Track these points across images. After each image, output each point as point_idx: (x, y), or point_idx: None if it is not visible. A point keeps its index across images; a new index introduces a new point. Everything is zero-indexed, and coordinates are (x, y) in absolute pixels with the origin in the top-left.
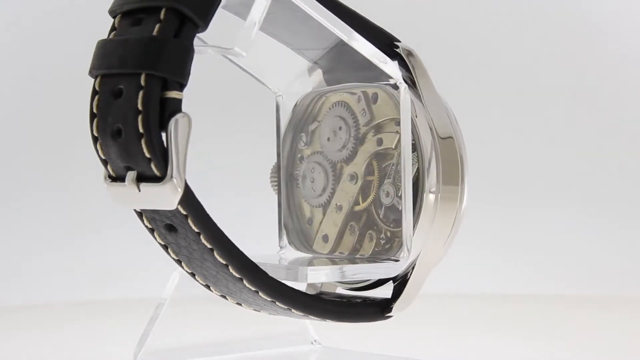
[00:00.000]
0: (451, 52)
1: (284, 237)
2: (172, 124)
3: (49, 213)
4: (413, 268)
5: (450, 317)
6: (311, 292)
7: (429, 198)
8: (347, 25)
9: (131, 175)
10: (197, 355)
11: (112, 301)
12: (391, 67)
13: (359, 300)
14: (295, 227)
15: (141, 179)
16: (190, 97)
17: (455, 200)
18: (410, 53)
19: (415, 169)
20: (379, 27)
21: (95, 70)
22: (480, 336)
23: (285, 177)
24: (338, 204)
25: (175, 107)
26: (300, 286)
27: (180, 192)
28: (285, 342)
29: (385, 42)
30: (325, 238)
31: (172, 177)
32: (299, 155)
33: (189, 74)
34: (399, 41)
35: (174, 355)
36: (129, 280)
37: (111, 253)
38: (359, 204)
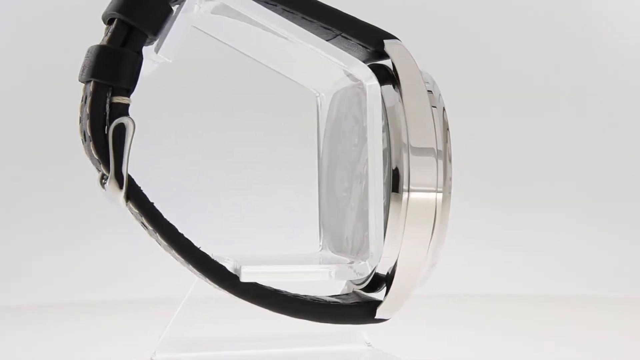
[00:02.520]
0: (451, 53)
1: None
2: (111, 127)
3: (49, 213)
4: (395, 270)
5: (449, 317)
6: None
7: (398, 199)
8: (297, 26)
9: (99, 175)
10: (241, 348)
11: (113, 302)
12: (358, 67)
13: (351, 302)
14: (331, 228)
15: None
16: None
17: (432, 201)
18: (395, 51)
19: (386, 170)
20: (367, 24)
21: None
22: (480, 336)
23: (326, 177)
24: (353, 204)
25: (120, 111)
26: (339, 285)
27: (120, 190)
28: (335, 341)
29: (375, 39)
30: (347, 239)
31: (113, 176)
32: (338, 156)
33: (134, 80)
34: (393, 38)
35: (215, 346)
36: (129, 281)
37: (112, 253)
38: (366, 205)
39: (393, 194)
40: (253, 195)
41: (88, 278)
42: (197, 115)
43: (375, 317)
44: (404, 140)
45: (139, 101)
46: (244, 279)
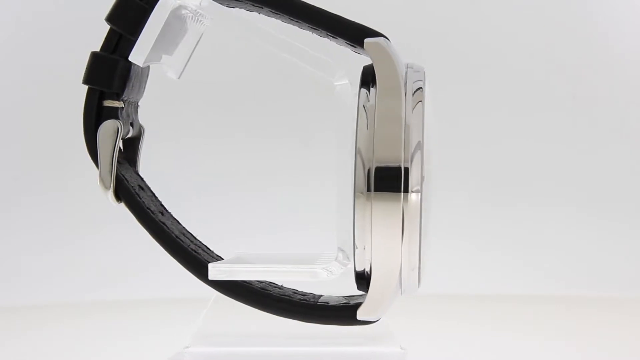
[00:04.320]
0: (451, 53)
1: None
2: (99, 129)
3: (49, 213)
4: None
5: (449, 317)
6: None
7: (360, 199)
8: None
9: None
10: (273, 345)
11: (113, 302)
12: (331, 67)
13: (341, 303)
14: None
15: None
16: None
17: (397, 201)
18: (374, 49)
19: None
20: (350, 23)
21: None
22: (480, 336)
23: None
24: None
25: (109, 114)
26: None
27: (107, 190)
28: (368, 342)
29: (355, 38)
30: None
31: (100, 175)
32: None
33: (123, 84)
34: (379, 36)
35: (247, 341)
36: (130, 281)
37: (112, 253)
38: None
39: (356, 194)
40: (282, 195)
41: (88, 278)
42: (211, 115)
43: (357, 318)
44: (367, 142)
45: (156, 101)
46: (210, 277)
